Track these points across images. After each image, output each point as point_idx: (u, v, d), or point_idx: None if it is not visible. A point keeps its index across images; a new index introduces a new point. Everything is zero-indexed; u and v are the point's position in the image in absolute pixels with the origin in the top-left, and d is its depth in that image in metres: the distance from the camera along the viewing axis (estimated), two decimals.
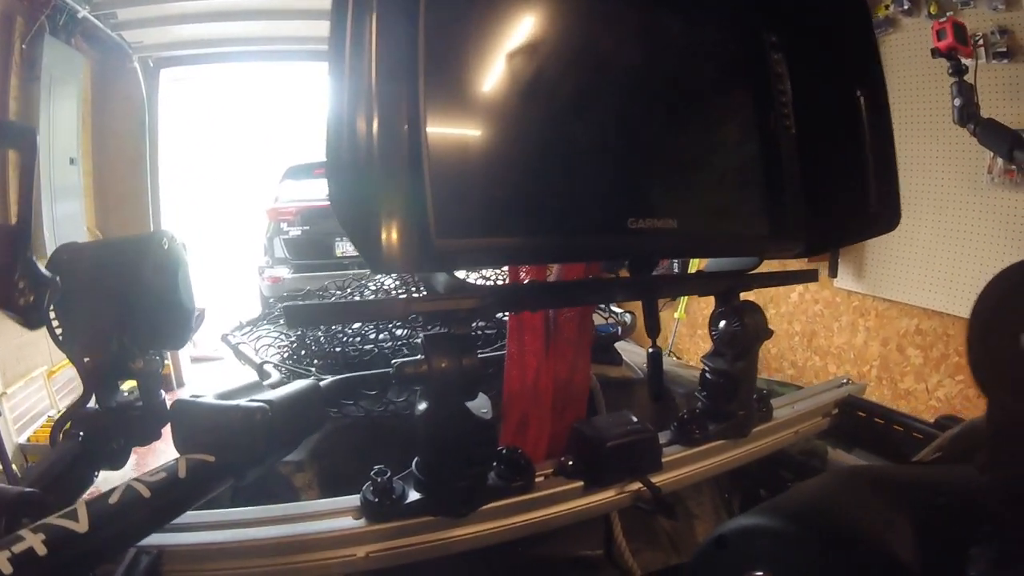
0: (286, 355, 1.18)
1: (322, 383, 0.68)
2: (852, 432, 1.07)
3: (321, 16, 4.10)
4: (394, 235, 0.52)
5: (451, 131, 0.56)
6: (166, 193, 4.73)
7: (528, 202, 0.60)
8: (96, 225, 4.43)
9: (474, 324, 1.17)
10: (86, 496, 0.55)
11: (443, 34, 0.55)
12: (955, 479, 0.43)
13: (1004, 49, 2.60)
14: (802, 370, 3.48)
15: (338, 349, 1.15)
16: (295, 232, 6.83)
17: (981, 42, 2.63)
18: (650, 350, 0.91)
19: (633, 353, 1.31)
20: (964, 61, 1.75)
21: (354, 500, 0.67)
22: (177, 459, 0.50)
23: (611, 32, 0.68)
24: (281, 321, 1.60)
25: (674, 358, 4.09)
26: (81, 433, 0.56)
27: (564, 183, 0.62)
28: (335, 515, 0.65)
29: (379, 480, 0.64)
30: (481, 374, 0.62)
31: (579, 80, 0.65)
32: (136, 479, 0.47)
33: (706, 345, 0.88)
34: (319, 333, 1.22)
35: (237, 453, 0.52)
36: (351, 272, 1.76)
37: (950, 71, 1.72)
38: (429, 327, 0.64)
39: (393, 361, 0.61)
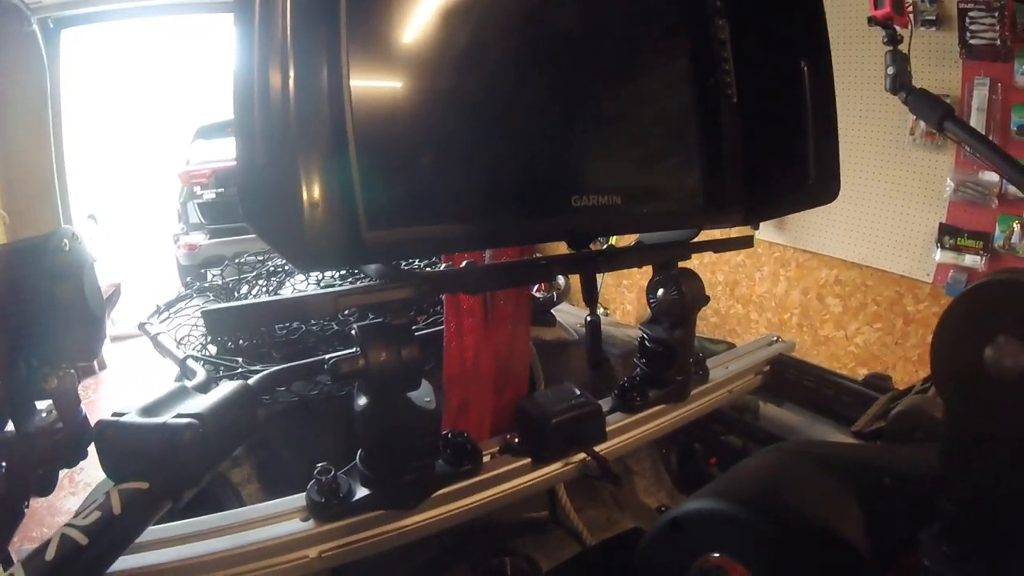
0: (208, 342, 1.13)
1: (251, 381, 0.64)
2: (783, 388, 1.11)
3: None
4: (319, 228, 0.47)
5: (379, 112, 0.51)
6: (73, 164, 4.42)
7: (467, 185, 0.57)
8: (1, 205, 4.11)
9: None
10: (17, 542, 0.51)
11: None
12: (899, 461, 0.45)
13: (933, 17, 2.74)
14: (725, 318, 3.62)
15: (263, 329, 1.10)
16: (209, 195, 6.54)
17: (911, 9, 2.77)
18: (588, 318, 0.91)
19: (566, 313, 1.31)
20: (900, 30, 1.80)
21: (299, 500, 0.65)
22: (108, 492, 0.46)
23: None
24: (198, 299, 1.53)
25: (602, 310, 4.16)
26: (3, 464, 0.51)
27: (504, 162, 0.59)
28: (282, 518, 0.63)
29: (323, 479, 0.62)
30: (422, 364, 0.60)
31: (515, 52, 0.62)
32: (70, 525, 0.44)
33: (632, 295, 0.88)
34: None
35: (171, 475, 0.48)
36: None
37: (885, 40, 1.76)
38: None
39: (326, 357, 0.59)
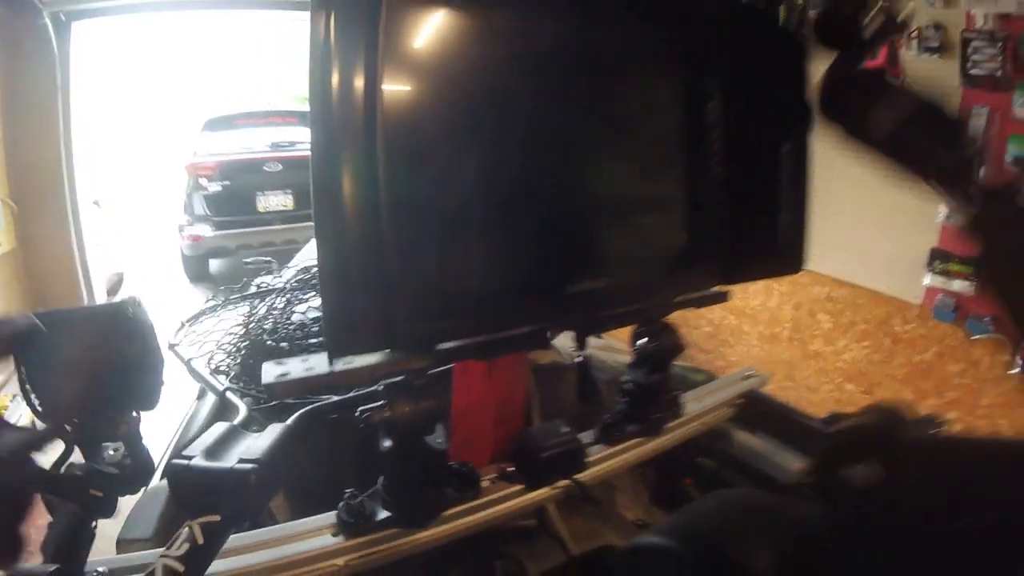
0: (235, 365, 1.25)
1: (291, 421, 0.77)
2: (754, 419, 1.23)
3: None
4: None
5: (415, 238, 0.63)
6: (82, 156, 4.51)
7: (489, 286, 0.69)
8: (10, 195, 4.18)
9: None
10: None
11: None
12: (810, 516, 0.57)
13: (936, 44, 2.81)
14: (718, 328, 3.75)
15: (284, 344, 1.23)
16: (215, 187, 6.66)
17: (916, 35, 2.83)
18: (578, 359, 1.04)
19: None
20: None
21: (329, 518, 0.78)
22: (189, 526, 0.59)
23: (552, 91, 0.74)
24: (219, 312, 1.65)
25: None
26: (95, 492, 0.64)
27: (518, 266, 0.71)
28: (315, 534, 0.76)
29: (352, 503, 0.75)
30: (436, 414, 0.73)
31: (529, 156, 0.72)
32: (165, 555, 0.57)
33: None
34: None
35: (239, 508, 0.61)
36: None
37: None
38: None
39: (360, 409, 0.71)
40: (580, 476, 0.92)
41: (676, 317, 0.97)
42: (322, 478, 0.86)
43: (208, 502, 0.61)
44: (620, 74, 0.80)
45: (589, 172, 0.79)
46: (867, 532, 0.47)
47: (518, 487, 0.89)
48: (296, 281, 1.69)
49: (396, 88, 0.60)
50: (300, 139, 7.22)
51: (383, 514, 0.77)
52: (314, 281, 1.66)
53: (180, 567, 0.56)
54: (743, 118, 0.84)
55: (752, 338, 3.69)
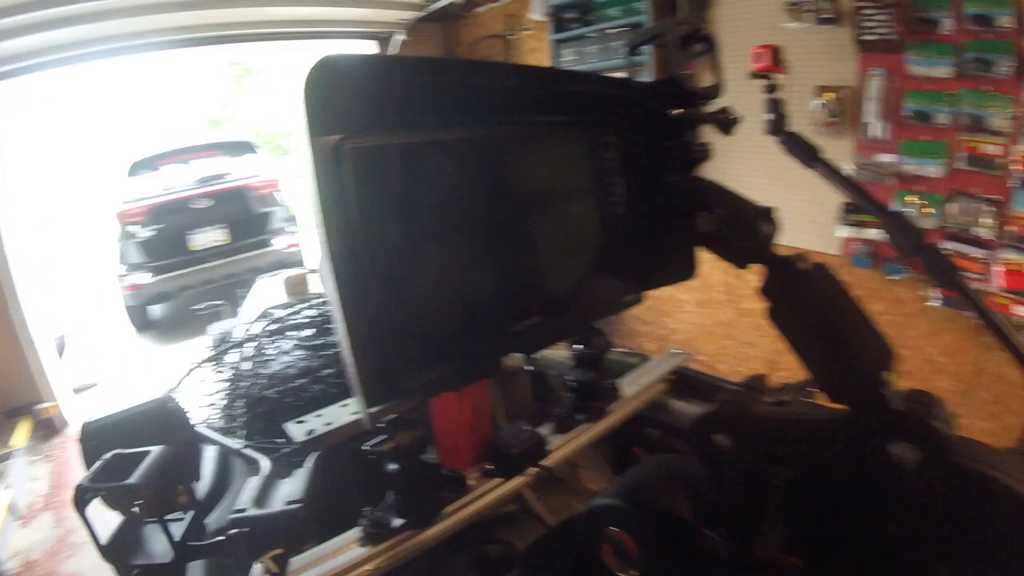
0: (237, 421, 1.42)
1: (314, 464, 0.97)
2: (686, 389, 1.48)
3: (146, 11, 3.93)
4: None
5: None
6: (5, 213, 4.48)
7: (462, 343, 0.87)
8: None
9: None
10: None
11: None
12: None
13: (831, 16, 3.10)
14: (656, 299, 4.03)
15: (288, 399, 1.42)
16: (147, 233, 6.61)
17: (811, 8, 3.13)
18: (529, 369, 1.27)
19: None
20: (779, 78, 2.11)
21: (354, 534, 0.97)
22: (262, 561, 0.78)
23: (490, 186, 0.91)
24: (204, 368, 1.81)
25: None
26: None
27: (475, 318, 0.89)
28: (345, 549, 0.95)
29: (373, 517, 0.96)
30: (428, 438, 0.94)
31: (476, 227, 0.88)
32: None
33: None
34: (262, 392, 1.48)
35: (294, 540, 0.81)
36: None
37: (765, 90, 2.06)
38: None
39: (367, 445, 0.92)
40: (545, 462, 1.15)
41: None
42: (335, 505, 1.06)
43: (268, 542, 0.80)
44: (539, 154, 0.99)
45: (525, 240, 0.97)
46: (725, 481, 0.71)
47: (497, 480, 1.11)
48: (267, 331, 1.83)
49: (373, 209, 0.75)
50: (226, 171, 7.22)
51: (398, 522, 0.97)
52: (289, 322, 1.82)
53: None
54: (637, 167, 1.04)
55: (689, 304, 3.97)
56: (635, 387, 1.41)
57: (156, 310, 7.33)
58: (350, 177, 0.68)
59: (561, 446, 1.21)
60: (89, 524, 0.77)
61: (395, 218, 0.75)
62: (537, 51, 4.67)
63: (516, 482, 1.14)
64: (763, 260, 0.72)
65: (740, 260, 0.75)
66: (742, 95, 2.08)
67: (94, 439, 0.87)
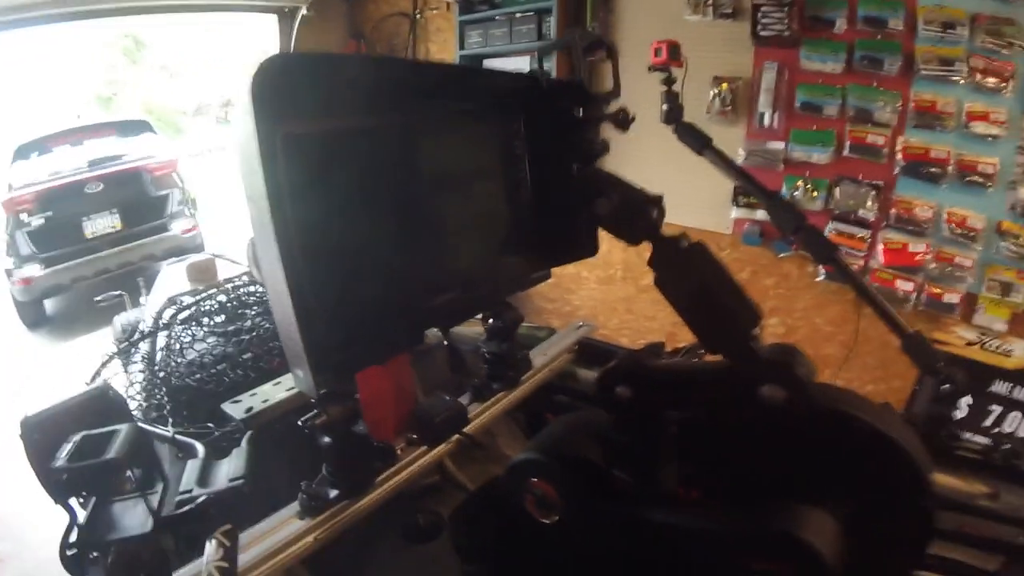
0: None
1: (246, 441, 1.02)
2: (591, 358, 1.61)
3: None
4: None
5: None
6: None
7: (387, 316, 0.93)
8: None
9: None
10: None
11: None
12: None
13: (730, 10, 3.33)
14: (560, 277, 4.19)
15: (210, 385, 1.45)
16: (37, 221, 6.19)
17: (711, 2, 3.35)
18: (446, 343, 1.37)
19: None
20: (675, 72, 2.25)
21: (294, 507, 1.03)
22: (215, 538, 0.82)
23: (408, 172, 0.96)
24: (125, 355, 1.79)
25: None
26: None
27: (399, 291, 0.95)
28: (288, 522, 1.01)
29: (310, 491, 1.02)
30: (358, 412, 1.01)
31: (398, 204, 0.94)
32: (209, 563, 0.79)
33: None
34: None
35: (240, 515, 0.86)
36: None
37: (663, 82, 2.18)
38: None
39: (302, 420, 0.98)
40: (466, 429, 1.25)
41: None
42: (274, 482, 1.11)
43: (217, 519, 0.86)
44: (455, 141, 1.06)
45: (443, 220, 1.04)
46: (628, 426, 0.83)
47: (422, 449, 1.20)
48: (179, 320, 1.83)
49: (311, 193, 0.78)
50: (120, 152, 6.84)
51: (333, 493, 1.04)
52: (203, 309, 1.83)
53: (225, 564, 0.81)
54: (541, 153, 1.12)
55: (591, 282, 4.15)
56: (544, 357, 1.53)
57: (49, 305, 6.89)
58: (293, 163, 0.73)
59: (480, 414, 1.32)
60: (71, 509, 0.81)
61: (330, 201, 0.81)
62: (443, 31, 4.69)
63: (439, 450, 1.23)
64: (651, 239, 0.83)
65: (632, 239, 0.85)
66: (653, 86, 2.26)
67: (36, 432, 0.89)
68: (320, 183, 0.78)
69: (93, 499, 0.86)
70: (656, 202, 0.85)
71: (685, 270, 0.80)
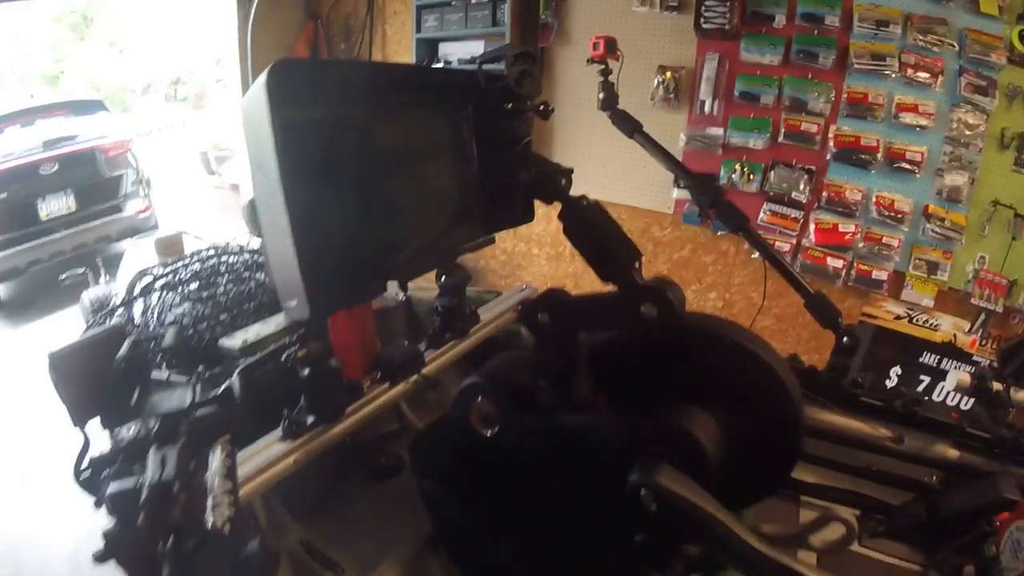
0: None
1: (238, 374, 1.20)
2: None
3: None
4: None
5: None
6: None
7: (361, 264, 1.07)
8: None
9: None
10: None
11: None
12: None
13: (675, 3, 3.56)
14: (511, 255, 4.46)
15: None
16: None
17: None
18: (402, 299, 1.58)
19: None
20: (612, 64, 2.41)
21: (276, 433, 1.21)
22: (219, 444, 1.01)
23: (383, 140, 1.11)
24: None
25: None
26: None
27: (367, 247, 1.11)
28: (271, 446, 1.19)
29: (292, 417, 1.21)
30: (330, 346, 1.22)
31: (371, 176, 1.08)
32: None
33: None
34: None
35: (238, 426, 1.06)
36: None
37: (599, 72, 2.37)
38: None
39: (285, 354, 1.18)
40: (423, 371, 1.46)
41: (478, 254, 1.47)
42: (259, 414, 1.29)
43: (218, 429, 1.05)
44: (416, 125, 1.23)
45: (404, 192, 1.18)
46: (548, 347, 1.04)
47: (385, 385, 1.41)
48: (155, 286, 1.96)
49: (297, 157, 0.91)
50: (73, 132, 6.73)
51: (311, 418, 1.23)
52: (180, 277, 1.99)
53: (228, 464, 0.99)
54: (484, 137, 1.28)
55: (541, 259, 4.36)
56: (490, 314, 1.76)
57: (0, 290, 6.78)
58: (292, 143, 0.87)
59: (434, 360, 1.53)
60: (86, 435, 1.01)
61: (320, 172, 0.97)
62: (400, 14, 4.78)
63: (400, 388, 1.44)
64: (561, 200, 1.05)
65: (547, 200, 1.06)
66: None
67: (61, 363, 1.07)
68: (312, 158, 0.94)
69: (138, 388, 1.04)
70: (566, 173, 1.07)
71: (585, 222, 1.02)
